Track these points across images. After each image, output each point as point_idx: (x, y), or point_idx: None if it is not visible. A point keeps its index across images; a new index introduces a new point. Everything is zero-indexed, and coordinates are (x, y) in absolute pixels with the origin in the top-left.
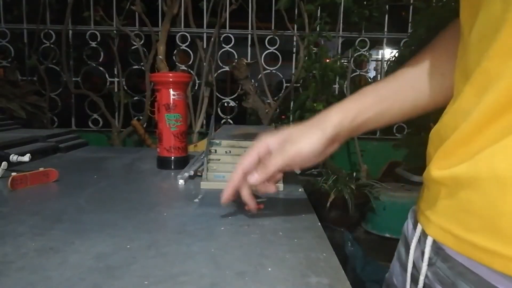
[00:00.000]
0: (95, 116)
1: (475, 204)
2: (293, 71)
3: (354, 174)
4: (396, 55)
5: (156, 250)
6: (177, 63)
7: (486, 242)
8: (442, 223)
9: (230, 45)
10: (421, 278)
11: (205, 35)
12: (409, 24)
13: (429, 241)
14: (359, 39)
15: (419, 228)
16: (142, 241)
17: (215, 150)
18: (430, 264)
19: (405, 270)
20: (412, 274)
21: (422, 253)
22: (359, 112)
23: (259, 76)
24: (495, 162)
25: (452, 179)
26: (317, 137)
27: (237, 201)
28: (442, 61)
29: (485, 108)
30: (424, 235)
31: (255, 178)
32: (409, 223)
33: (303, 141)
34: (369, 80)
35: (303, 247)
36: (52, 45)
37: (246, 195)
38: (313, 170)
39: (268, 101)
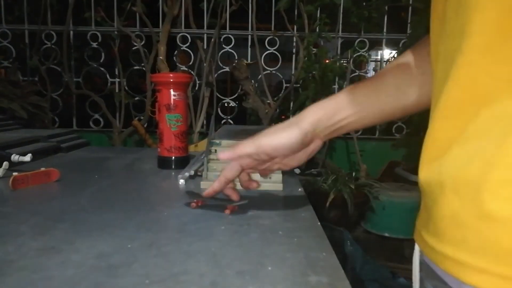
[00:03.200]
0: (96, 116)
1: (429, 208)
2: (293, 72)
3: (354, 174)
4: (395, 55)
5: (157, 249)
6: (177, 64)
7: (433, 242)
8: (418, 227)
9: (230, 46)
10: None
11: (205, 35)
12: (408, 25)
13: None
14: (358, 39)
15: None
16: (143, 240)
17: (215, 150)
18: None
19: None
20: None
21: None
22: (337, 110)
23: (259, 76)
24: (442, 168)
25: (420, 185)
26: (292, 131)
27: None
28: (424, 60)
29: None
30: None
31: (223, 155)
32: None
33: (277, 134)
34: None
35: (303, 246)
36: (53, 46)
37: (228, 191)
38: (312, 170)
39: (268, 101)
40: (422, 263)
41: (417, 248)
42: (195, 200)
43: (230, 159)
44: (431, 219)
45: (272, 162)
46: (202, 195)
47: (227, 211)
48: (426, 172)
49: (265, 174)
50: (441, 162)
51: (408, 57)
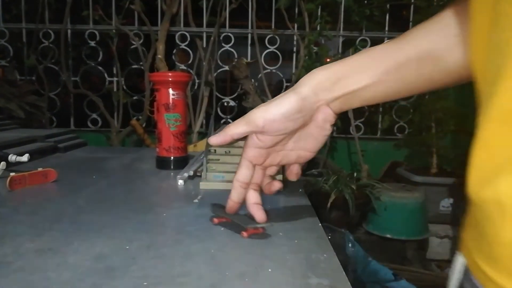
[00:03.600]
0: (94, 116)
1: (481, 225)
2: (294, 71)
3: (355, 174)
4: None
5: (156, 250)
6: (176, 63)
7: (487, 269)
8: (468, 244)
9: (230, 44)
10: None
11: (204, 34)
12: (410, 24)
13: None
14: (360, 38)
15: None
16: (141, 241)
17: (215, 150)
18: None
19: None
20: None
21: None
22: (345, 73)
23: (259, 75)
24: (499, 185)
25: (469, 195)
26: (286, 97)
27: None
28: (462, 19)
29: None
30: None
31: (213, 139)
32: None
33: (269, 104)
34: None
35: (304, 247)
36: (51, 45)
37: (252, 208)
38: (313, 170)
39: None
40: (467, 280)
41: (461, 261)
42: (217, 216)
43: (223, 143)
44: (485, 241)
45: (286, 150)
46: (226, 210)
47: (245, 234)
48: (478, 184)
49: (292, 174)
50: (498, 178)
51: (444, 14)
